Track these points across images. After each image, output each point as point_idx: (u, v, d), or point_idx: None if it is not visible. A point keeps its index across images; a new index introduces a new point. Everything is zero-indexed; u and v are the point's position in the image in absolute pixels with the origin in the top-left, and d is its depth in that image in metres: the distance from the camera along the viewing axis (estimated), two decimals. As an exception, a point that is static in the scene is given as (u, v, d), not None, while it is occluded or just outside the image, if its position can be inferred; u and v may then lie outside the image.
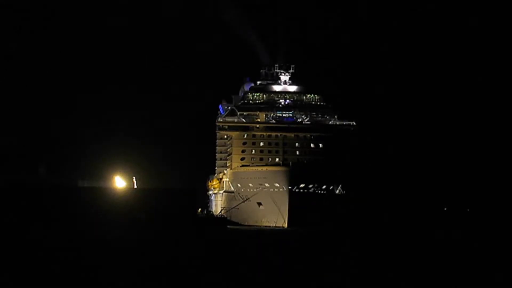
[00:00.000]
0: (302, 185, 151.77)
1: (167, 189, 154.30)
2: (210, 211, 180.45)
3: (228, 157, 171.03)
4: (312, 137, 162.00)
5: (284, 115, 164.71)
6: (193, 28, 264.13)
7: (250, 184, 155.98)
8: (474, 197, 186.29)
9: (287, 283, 50.60)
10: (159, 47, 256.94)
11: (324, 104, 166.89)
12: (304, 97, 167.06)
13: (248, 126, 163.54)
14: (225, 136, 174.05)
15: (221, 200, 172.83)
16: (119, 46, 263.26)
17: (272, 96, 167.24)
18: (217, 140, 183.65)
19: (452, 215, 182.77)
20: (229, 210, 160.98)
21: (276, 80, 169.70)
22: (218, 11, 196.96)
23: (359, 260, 70.22)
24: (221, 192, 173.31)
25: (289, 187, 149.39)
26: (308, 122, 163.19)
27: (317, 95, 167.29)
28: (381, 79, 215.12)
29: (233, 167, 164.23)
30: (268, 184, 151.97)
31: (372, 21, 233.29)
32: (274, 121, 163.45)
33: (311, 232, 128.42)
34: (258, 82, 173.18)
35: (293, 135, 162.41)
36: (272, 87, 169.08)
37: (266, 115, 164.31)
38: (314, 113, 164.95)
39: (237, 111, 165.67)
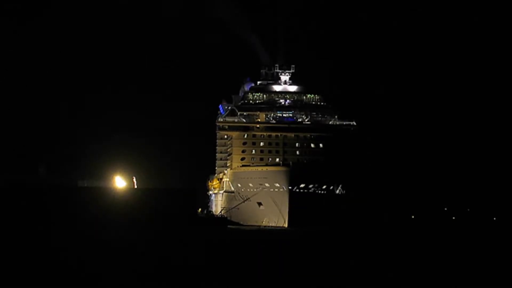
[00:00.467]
0: (302, 185, 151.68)
1: (167, 189, 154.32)
2: (210, 211, 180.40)
3: (228, 157, 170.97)
4: (312, 137, 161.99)
5: (284, 115, 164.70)
6: (193, 28, 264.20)
7: (250, 184, 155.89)
8: (474, 197, 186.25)
9: (286, 283, 50.55)
10: (159, 47, 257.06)
11: (324, 104, 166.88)
12: (304, 97, 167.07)
13: (248, 126, 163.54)
14: (225, 136, 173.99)
15: (221, 200, 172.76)
16: (119, 46, 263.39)
17: (272, 96, 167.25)
18: (217, 140, 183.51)
19: (452, 215, 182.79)
20: (229, 210, 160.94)
21: (276, 80, 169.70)
22: (218, 11, 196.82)
23: (359, 261, 70.17)
24: (221, 192, 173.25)
25: (289, 187, 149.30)
26: (308, 122, 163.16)
27: (317, 95, 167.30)
28: (381, 79, 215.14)
29: (233, 167, 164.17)
30: (268, 184, 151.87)
31: (372, 21, 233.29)
32: (274, 121, 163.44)
33: (306, 233, 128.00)
34: (258, 82, 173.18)
35: (293, 135, 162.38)
36: (272, 87, 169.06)
37: (266, 115, 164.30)
38: (314, 113, 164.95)
39: (237, 111, 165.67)
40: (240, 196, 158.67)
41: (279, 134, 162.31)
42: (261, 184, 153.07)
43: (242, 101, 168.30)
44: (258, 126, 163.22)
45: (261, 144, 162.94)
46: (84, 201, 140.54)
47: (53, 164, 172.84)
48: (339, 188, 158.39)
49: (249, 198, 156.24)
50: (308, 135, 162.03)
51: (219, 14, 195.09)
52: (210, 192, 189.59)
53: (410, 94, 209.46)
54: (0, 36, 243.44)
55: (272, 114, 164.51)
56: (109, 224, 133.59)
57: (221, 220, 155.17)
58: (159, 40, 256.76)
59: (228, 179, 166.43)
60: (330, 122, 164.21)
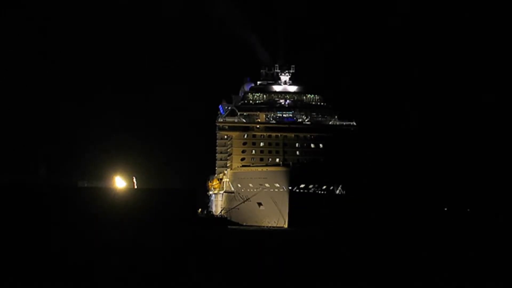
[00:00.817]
0: (302, 185, 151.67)
1: (167, 189, 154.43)
2: (210, 211, 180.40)
3: (228, 157, 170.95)
4: (312, 137, 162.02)
5: (284, 115, 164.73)
6: (193, 28, 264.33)
7: (250, 184, 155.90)
8: (474, 197, 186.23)
9: (285, 283, 50.58)
10: (159, 47, 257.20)
11: (324, 104, 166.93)
12: (304, 97, 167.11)
13: (248, 126, 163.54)
14: (225, 136, 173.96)
15: (221, 200, 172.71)
16: (119, 46, 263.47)
17: (272, 96, 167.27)
18: (217, 140, 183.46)
19: (452, 215, 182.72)
20: (229, 210, 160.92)
21: (276, 80, 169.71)
22: (218, 11, 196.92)
23: (357, 262, 70.19)
24: (221, 192, 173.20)
25: (289, 187, 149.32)
26: (308, 122, 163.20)
27: (317, 95, 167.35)
28: (381, 79, 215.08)
29: (233, 167, 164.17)
30: (268, 184, 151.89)
31: (372, 21, 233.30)
32: (274, 121, 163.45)
33: (299, 234, 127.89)
34: (258, 82, 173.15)
35: (293, 135, 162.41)
36: (272, 87, 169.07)
37: (266, 115, 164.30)
38: (314, 113, 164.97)
39: (237, 111, 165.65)
40: (240, 196, 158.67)
41: (279, 134, 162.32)
42: (261, 184, 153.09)
43: (242, 101, 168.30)
44: (258, 126, 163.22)
45: (261, 144, 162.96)
46: (84, 201, 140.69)
47: (53, 164, 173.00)
48: (339, 188, 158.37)
49: (249, 198, 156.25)
50: (308, 135, 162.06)
51: (219, 14, 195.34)
52: (210, 192, 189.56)
53: (410, 94, 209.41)
54: (0, 36, 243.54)
55: (272, 114, 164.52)
56: (109, 224, 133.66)
57: (221, 220, 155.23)
58: (159, 40, 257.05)
59: (228, 180, 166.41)
60: (330, 122, 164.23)
